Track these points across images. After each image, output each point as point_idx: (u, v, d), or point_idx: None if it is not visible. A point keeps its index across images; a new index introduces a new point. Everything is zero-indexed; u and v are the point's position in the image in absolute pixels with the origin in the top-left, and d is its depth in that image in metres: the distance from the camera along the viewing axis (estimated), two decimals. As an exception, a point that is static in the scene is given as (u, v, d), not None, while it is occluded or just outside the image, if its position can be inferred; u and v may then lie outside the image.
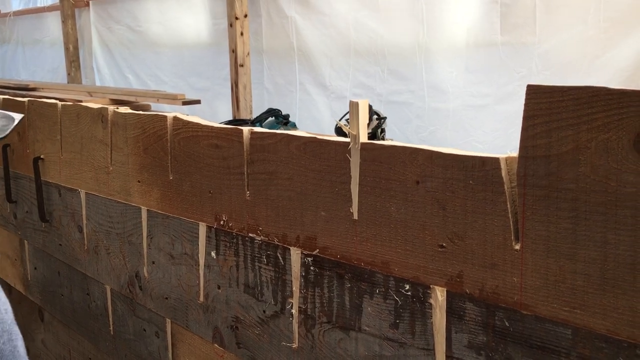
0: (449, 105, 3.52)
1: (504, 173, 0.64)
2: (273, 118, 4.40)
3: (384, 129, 3.96)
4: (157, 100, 4.21)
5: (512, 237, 0.64)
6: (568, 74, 2.82)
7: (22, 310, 1.84)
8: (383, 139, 3.14)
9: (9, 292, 1.89)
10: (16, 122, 0.76)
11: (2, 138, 0.77)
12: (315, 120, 4.24)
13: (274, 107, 4.53)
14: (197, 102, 4.13)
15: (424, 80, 3.62)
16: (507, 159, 0.65)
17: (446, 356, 0.72)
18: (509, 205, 0.64)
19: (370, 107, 3.88)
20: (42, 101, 1.51)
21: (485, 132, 3.24)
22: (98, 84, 5.57)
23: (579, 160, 0.58)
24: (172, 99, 4.20)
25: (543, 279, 0.62)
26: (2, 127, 0.78)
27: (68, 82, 5.43)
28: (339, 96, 3.92)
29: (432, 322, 0.73)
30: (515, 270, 0.64)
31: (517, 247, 0.64)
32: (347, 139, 0.80)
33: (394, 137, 3.46)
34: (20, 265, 1.78)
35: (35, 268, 1.70)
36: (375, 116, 3.91)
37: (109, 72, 5.64)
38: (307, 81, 4.22)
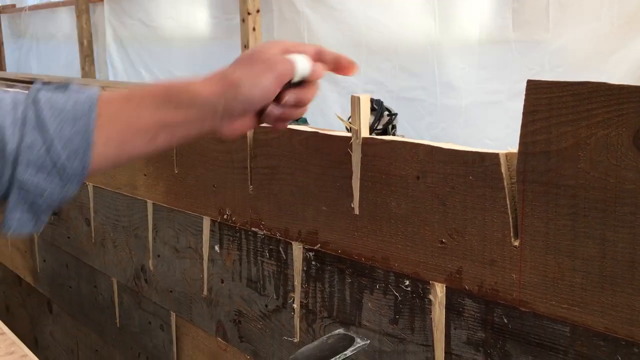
0: (461, 101, 3.51)
1: (503, 169, 0.64)
2: (284, 113, 4.37)
3: (395, 125, 3.95)
4: (169, 95, 4.22)
5: (511, 234, 0.64)
6: (581, 70, 2.80)
7: (32, 301, 1.86)
8: (394, 135, 3.12)
9: (20, 283, 1.92)
10: None
11: None
12: (326, 117, 4.23)
13: (285, 103, 4.53)
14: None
15: (436, 77, 3.60)
16: (506, 154, 0.64)
17: (445, 352, 0.72)
18: (508, 202, 0.64)
19: (381, 103, 3.88)
20: (51, 95, 1.52)
21: (497, 129, 3.21)
22: (111, 79, 5.60)
23: (579, 157, 0.57)
24: (183, 93, 4.21)
25: (542, 275, 0.62)
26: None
27: (82, 77, 5.47)
28: (350, 92, 3.92)
29: (431, 318, 0.73)
30: (514, 266, 0.64)
31: (516, 243, 0.63)
32: (350, 134, 0.80)
33: (405, 134, 3.45)
34: (30, 258, 1.80)
35: (44, 260, 1.72)
36: (386, 112, 3.90)
37: (123, 67, 5.68)
38: (318, 77, 4.21)
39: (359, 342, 0.73)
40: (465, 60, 3.52)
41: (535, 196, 0.61)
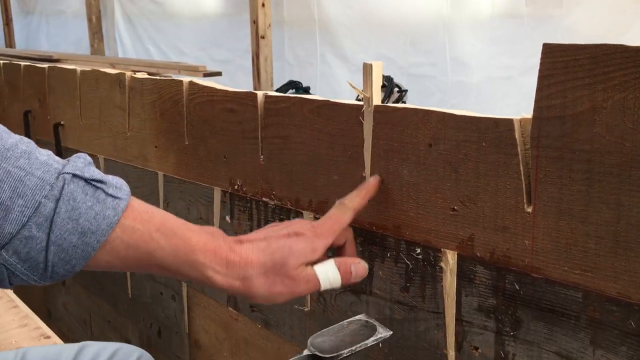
0: (472, 78, 3.48)
1: (517, 135, 0.63)
2: (294, 90, 4.38)
3: (405, 101, 3.92)
4: (179, 71, 4.22)
5: (524, 200, 0.63)
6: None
7: (45, 274, 1.88)
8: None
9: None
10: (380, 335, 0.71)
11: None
12: (336, 93, 4.21)
13: (295, 80, 4.52)
14: (218, 74, 4.13)
15: (447, 53, 3.57)
16: (521, 120, 0.63)
17: (456, 319, 0.72)
18: (521, 168, 0.63)
19: (391, 79, 3.85)
20: (61, 67, 1.52)
21: (508, 105, 3.19)
22: (120, 55, 5.60)
23: (594, 121, 0.57)
24: (193, 70, 4.21)
25: (554, 241, 0.61)
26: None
27: (91, 54, 5.47)
28: (360, 68, 3.90)
29: (442, 286, 0.73)
30: (526, 233, 0.64)
31: (529, 209, 0.63)
32: (361, 102, 0.80)
33: (414, 110, 3.42)
34: (42, 230, 1.82)
35: (57, 233, 1.73)
36: (396, 89, 3.87)
37: (131, 44, 5.66)
38: (328, 53, 4.19)
39: (381, 333, 0.69)
40: (476, 35, 3.48)
41: (549, 162, 0.61)
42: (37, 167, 0.54)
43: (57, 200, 0.54)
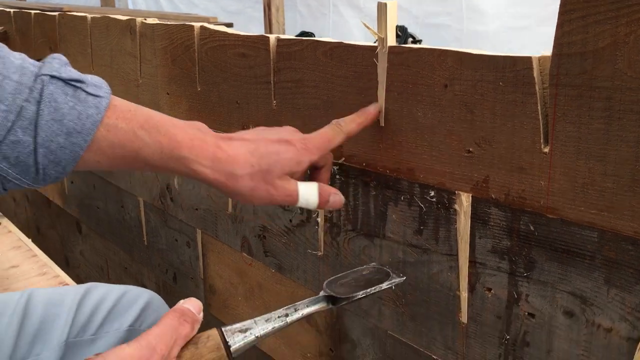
0: (488, 27, 3.40)
1: (536, 73, 0.62)
2: (306, 41, 4.30)
3: (419, 52, 3.84)
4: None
5: (542, 140, 0.62)
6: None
7: (61, 223, 1.91)
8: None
9: (49, 205, 1.96)
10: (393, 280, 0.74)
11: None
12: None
13: (307, 30, 4.45)
14: (230, 25, 4.07)
15: (463, 1, 3.48)
16: (540, 58, 0.62)
17: (469, 261, 0.72)
18: (539, 107, 0.62)
19: (405, 29, 3.78)
20: (72, 14, 1.51)
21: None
22: (131, 7, 5.53)
23: (616, 57, 0.55)
24: (204, 21, 4.15)
25: (571, 181, 0.61)
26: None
27: (101, 6, 5.40)
28: (373, 19, 3.82)
29: (456, 228, 0.73)
30: (543, 173, 0.63)
31: (546, 149, 0.62)
32: (375, 44, 0.78)
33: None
34: (58, 180, 1.84)
35: (72, 182, 1.75)
36: (410, 39, 3.80)
37: (142, -5, 5.59)
38: (340, 3, 4.11)
39: (395, 278, 0.71)
40: (493, -17, 3.39)
41: (568, 100, 0.59)
42: (13, 71, 0.54)
43: (39, 103, 0.54)
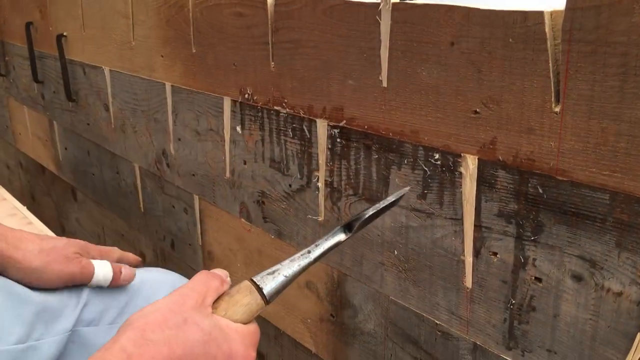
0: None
1: (547, 28, 0.59)
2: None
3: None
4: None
5: (552, 99, 0.60)
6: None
7: (56, 190, 1.89)
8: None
9: (43, 172, 1.94)
10: None
11: None
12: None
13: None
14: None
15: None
16: (552, 13, 0.59)
17: (474, 225, 0.71)
18: (550, 65, 0.59)
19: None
20: (61, -25, 1.46)
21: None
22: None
23: (633, 10, 0.52)
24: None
25: (583, 142, 0.58)
26: None
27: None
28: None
29: (461, 192, 0.71)
30: (553, 134, 0.61)
31: (557, 109, 0.60)
32: (378, 0, 0.75)
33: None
34: (51, 146, 1.81)
35: (66, 148, 1.72)
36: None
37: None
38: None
39: (400, 190, 0.74)
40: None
41: (581, 57, 0.57)
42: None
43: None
